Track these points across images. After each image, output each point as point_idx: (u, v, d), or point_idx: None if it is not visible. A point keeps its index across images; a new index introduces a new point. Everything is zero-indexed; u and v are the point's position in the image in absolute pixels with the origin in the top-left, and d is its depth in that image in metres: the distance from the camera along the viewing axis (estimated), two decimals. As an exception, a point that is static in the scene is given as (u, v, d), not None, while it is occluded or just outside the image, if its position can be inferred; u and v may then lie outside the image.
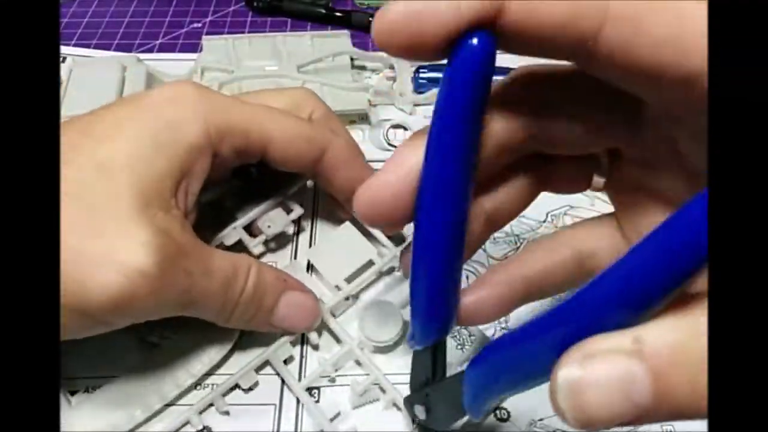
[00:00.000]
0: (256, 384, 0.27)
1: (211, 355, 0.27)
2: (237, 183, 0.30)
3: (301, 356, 0.28)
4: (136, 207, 0.22)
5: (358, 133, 0.40)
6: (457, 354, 0.28)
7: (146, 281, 0.21)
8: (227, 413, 0.26)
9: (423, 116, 0.41)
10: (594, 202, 0.35)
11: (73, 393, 0.26)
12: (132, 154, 0.22)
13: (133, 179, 0.22)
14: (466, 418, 0.21)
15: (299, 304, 0.27)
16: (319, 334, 0.28)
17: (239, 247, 0.29)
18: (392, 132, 0.40)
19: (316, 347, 0.28)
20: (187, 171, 0.24)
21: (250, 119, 0.25)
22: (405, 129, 0.40)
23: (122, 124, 0.23)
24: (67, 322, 0.21)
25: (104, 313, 0.21)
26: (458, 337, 0.29)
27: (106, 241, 0.21)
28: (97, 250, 0.21)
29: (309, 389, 0.27)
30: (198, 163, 0.24)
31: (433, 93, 0.42)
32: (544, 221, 0.34)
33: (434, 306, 0.19)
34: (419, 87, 0.42)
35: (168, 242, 0.22)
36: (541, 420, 0.26)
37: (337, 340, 0.28)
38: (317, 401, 0.27)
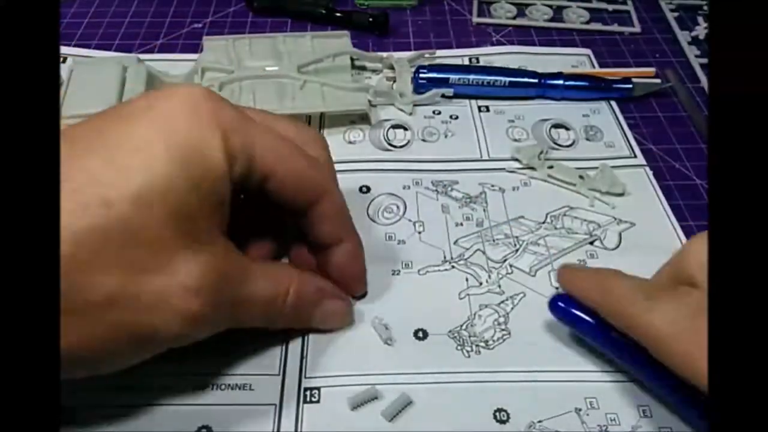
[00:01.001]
0: (257, 384, 0.27)
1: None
2: None
3: (302, 356, 0.28)
4: (180, 241, 0.22)
5: (358, 133, 0.40)
6: (457, 355, 0.28)
7: (198, 322, 0.23)
8: (227, 413, 0.26)
9: (423, 116, 0.41)
10: (594, 203, 0.35)
11: (73, 393, 0.26)
12: (165, 185, 0.21)
13: (171, 210, 0.21)
14: None
15: (335, 312, 0.28)
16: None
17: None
18: (392, 132, 0.40)
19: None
20: (219, 196, 0.23)
21: (259, 144, 0.24)
22: (405, 129, 0.40)
23: (144, 148, 0.21)
24: (124, 349, 0.22)
25: (157, 348, 0.23)
26: (458, 338, 0.29)
27: (158, 281, 0.21)
28: (151, 289, 0.21)
29: (309, 389, 0.27)
30: (225, 186, 0.23)
31: (434, 93, 0.42)
32: (543, 222, 0.34)
33: None
34: (419, 87, 0.42)
35: (215, 276, 0.23)
36: (540, 422, 0.26)
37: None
38: (317, 401, 0.27)
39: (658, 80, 0.43)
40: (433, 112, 0.41)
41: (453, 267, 0.32)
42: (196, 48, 0.47)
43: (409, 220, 0.34)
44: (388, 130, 0.40)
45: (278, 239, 0.30)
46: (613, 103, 0.42)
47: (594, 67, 0.46)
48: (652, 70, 0.44)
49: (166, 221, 0.21)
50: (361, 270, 0.30)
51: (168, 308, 0.22)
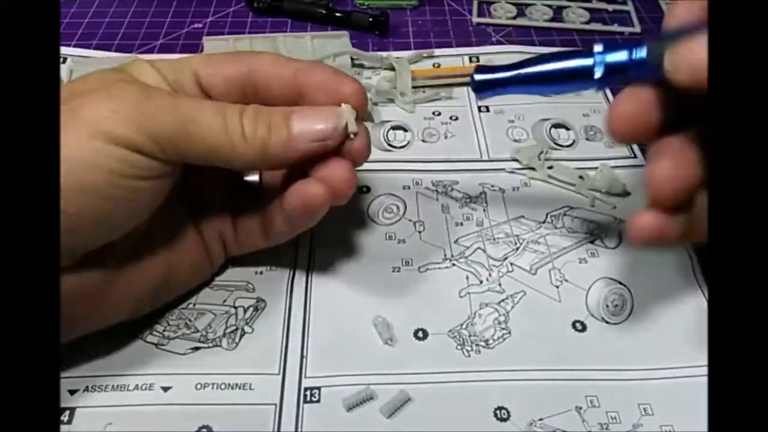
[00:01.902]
0: (257, 383, 0.27)
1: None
2: None
3: (302, 356, 0.28)
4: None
5: (358, 134, 0.40)
6: (457, 354, 0.28)
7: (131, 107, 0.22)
8: (227, 413, 0.26)
9: (423, 117, 0.41)
10: (594, 203, 0.35)
11: (73, 392, 0.26)
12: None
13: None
14: None
15: (314, 116, 0.25)
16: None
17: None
18: (392, 133, 0.40)
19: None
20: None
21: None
22: (405, 130, 0.40)
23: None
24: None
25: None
26: (458, 337, 0.29)
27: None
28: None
29: (309, 389, 0.27)
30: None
31: (434, 92, 0.42)
32: (544, 222, 0.34)
33: None
34: (481, 91, 0.27)
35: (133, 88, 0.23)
36: (541, 420, 0.26)
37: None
38: (318, 401, 0.27)
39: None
40: (433, 113, 0.41)
41: (453, 265, 0.32)
42: (196, 48, 0.47)
43: (409, 220, 0.34)
44: (387, 131, 0.40)
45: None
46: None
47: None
48: None
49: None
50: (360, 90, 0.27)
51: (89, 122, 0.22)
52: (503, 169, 0.37)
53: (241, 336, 0.28)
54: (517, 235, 0.33)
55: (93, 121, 0.22)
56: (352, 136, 0.26)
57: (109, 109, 0.22)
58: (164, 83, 0.25)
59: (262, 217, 0.29)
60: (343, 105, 0.26)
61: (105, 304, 0.25)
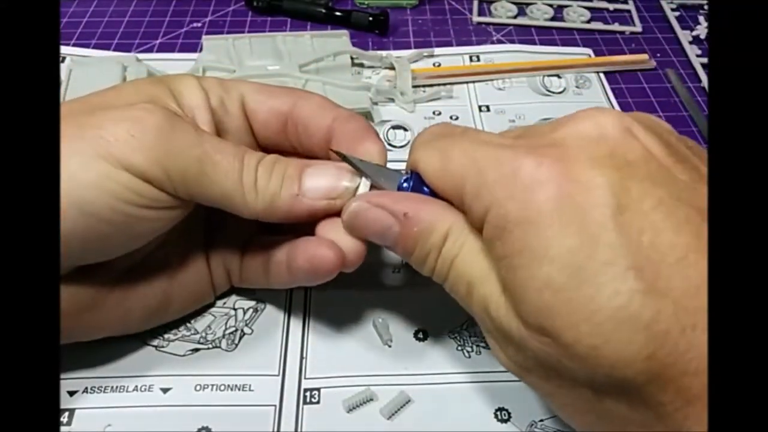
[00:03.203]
0: (256, 384, 0.27)
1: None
2: None
3: (301, 357, 0.28)
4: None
5: (358, 133, 0.40)
6: (458, 355, 0.28)
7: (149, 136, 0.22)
8: (227, 414, 0.26)
9: (423, 117, 0.41)
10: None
11: (72, 393, 0.26)
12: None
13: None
14: None
15: (326, 173, 0.24)
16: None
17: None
18: (392, 132, 0.40)
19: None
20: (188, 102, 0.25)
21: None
22: (405, 130, 0.40)
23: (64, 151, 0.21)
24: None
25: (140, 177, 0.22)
26: (458, 338, 0.29)
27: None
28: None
29: (309, 390, 0.27)
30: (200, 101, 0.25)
31: (435, 91, 0.42)
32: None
33: None
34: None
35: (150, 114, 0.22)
36: (541, 421, 0.26)
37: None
38: (317, 402, 0.27)
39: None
40: (434, 113, 0.41)
41: (453, 267, 0.32)
42: (195, 47, 0.46)
43: (410, 220, 0.34)
44: (388, 131, 0.40)
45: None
46: (614, 103, 0.42)
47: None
48: (645, 56, 0.45)
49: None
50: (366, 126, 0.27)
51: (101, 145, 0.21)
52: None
53: (241, 337, 0.28)
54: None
55: (106, 141, 0.21)
56: None
57: (127, 132, 0.21)
58: (206, 103, 0.25)
59: (266, 258, 0.27)
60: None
61: (91, 320, 0.25)
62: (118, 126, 0.22)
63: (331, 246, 0.24)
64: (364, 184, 0.25)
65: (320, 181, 0.24)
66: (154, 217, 0.23)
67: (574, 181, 0.18)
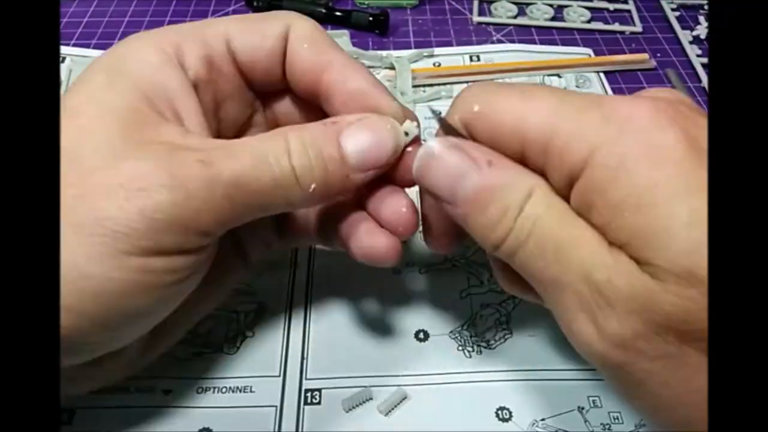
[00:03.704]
0: (257, 386, 0.27)
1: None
2: None
3: (302, 358, 0.28)
4: (119, 141, 0.20)
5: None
6: (458, 355, 0.28)
7: (169, 189, 0.19)
8: (228, 415, 0.26)
9: (423, 116, 0.41)
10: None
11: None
12: (90, 95, 0.21)
13: (102, 115, 0.21)
14: None
15: (370, 127, 0.22)
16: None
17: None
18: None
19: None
20: (159, 87, 0.22)
21: (205, 25, 0.24)
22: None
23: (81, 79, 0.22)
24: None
25: (151, 236, 0.19)
26: (459, 338, 0.29)
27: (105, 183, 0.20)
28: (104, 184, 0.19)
29: (310, 391, 0.27)
30: (170, 78, 0.22)
31: (435, 91, 0.42)
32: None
33: None
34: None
35: (168, 150, 0.20)
36: (543, 420, 0.26)
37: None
38: (318, 403, 0.27)
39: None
40: (434, 113, 0.41)
41: (454, 266, 0.32)
42: (195, 47, 0.46)
43: (410, 220, 0.34)
44: (388, 130, 0.40)
45: None
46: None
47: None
48: (645, 56, 0.45)
49: (102, 129, 0.20)
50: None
51: (128, 191, 0.19)
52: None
53: (242, 340, 0.28)
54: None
55: (108, 224, 0.19)
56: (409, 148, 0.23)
57: (139, 211, 0.19)
58: (183, 74, 0.22)
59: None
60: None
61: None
62: (123, 208, 0.19)
63: (387, 234, 0.23)
64: (410, 131, 0.23)
65: (364, 146, 0.22)
66: (181, 278, 0.21)
67: (693, 126, 0.18)
